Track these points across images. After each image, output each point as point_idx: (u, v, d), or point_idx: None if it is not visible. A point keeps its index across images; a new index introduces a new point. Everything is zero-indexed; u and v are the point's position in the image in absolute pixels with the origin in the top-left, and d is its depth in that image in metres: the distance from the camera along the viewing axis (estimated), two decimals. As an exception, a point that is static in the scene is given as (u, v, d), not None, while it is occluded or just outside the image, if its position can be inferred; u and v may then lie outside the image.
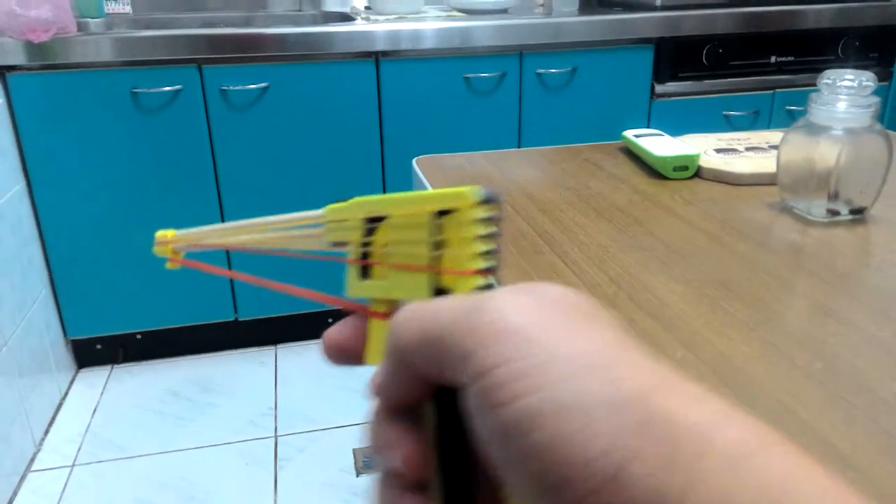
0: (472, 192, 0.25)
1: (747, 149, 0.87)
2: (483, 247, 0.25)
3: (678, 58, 1.95)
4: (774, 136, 0.94)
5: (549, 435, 0.18)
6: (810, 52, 2.03)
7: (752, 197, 0.76)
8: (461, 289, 0.25)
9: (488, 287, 0.25)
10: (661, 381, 0.18)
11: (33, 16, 1.53)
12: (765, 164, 0.81)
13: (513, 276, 0.58)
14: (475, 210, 0.25)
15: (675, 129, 0.98)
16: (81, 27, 1.71)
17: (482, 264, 0.25)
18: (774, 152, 0.86)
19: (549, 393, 0.18)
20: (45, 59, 1.61)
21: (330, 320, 2.07)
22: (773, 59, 2.02)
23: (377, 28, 1.74)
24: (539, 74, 1.87)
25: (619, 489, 0.17)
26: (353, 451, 1.64)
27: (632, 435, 0.17)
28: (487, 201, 0.25)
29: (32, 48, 1.59)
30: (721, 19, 1.94)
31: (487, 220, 0.25)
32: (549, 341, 0.19)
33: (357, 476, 1.56)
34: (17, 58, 1.60)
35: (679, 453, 0.17)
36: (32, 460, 1.61)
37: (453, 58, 1.82)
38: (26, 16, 1.53)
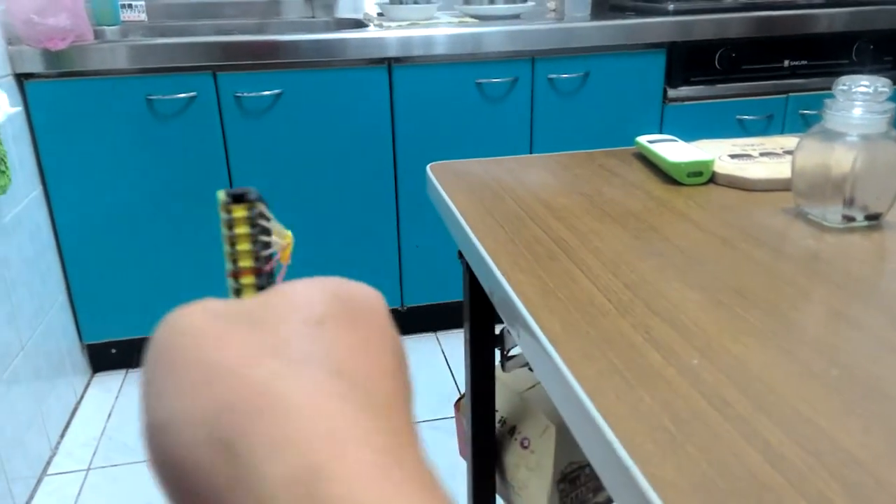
0: (221, 193, 0.25)
1: (762, 154, 0.87)
2: (244, 246, 0.25)
3: (691, 62, 1.95)
4: (789, 141, 0.93)
5: None
6: (824, 56, 2.02)
7: (766, 203, 0.76)
8: (246, 290, 0.25)
9: (260, 288, 0.25)
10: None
11: (51, 24, 1.55)
12: (780, 169, 0.81)
13: (529, 282, 0.58)
14: (235, 210, 0.25)
15: (688, 134, 0.98)
16: (97, 35, 1.73)
17: (244, 263, 0.25)
18: (789, 158, 0.86)
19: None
20: (62, 67, 1.63)
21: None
22: (786, 63, 2.01)
23: (389, 34, 1.75)
24: (551, 80, 1.88)
25: None
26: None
27: None
28: (236, 201, 0.25)
29: (50, 56, 1.61)
30: (733, 23, 1.94)
31: (249, 220, 0.25)
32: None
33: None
34: (35, 66, 1.62)
35: None
36: (48, 464, 1.63)
37: (465, 64, 1.82)
38: (44, 24, 1.55)
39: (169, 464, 0.19)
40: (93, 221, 1.76)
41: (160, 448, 0.20)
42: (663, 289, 0.56)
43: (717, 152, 0.87)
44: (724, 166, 0.82)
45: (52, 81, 1.65)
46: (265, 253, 0.26)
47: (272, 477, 0.17)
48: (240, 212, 0.25)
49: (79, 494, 1.54)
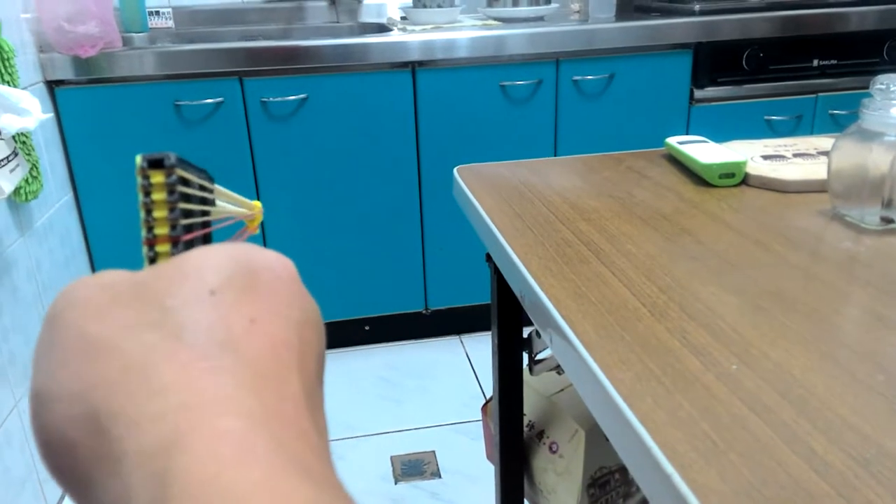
0: (138, 158, 0.24)
1: (795, 155, 0.86)
2: (161, 213, 0.24)
3: (717, 62, 1.92)
4: (822, 141, 0.92)
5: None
6: (854, 55, 1.99)
7: (801, 204, 0.75)
8: (161, 259, 0.24)
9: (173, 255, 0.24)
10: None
11: (81, 32, 1.58)
12: (814, 170, 0.80)
13: (561, 286, 0.58)
14: (153, 175, 0.24)
15: (716, 135, 0.97)
16: (126, 42, 1.75)
17: (160, 231, 0.24)
18: (823, 159, 0.84)
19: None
20: (91, 74, 1.65)
21: (367, 328, 2.09)
22: (815, 62, 1.98)
23: (412, 38, 1.75)
24: (575, 81, 1.87)
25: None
26: (391, 458, 1.64)
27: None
28: (152, 166, 0.24)
29: (80, 63, 1.63)
30: (760, 23, 1.91)
31: (167, 185, 0.24)
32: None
33: (395, 483, 1.57)
34: (66, 72, 1.64)
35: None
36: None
37: (489, 66, 1.82)
38: (75, 32, 1.57)
39: (44, 436, 0.19)
40: (121, 226, 1.78)
41: (37, 420, 0.20)
42: (699, 292, 0.55)
43: (748, 153, 0.86)
44: (757, 167, 0.81)
45: (81, 88, 1.67)
46: (184, 222, 0.25)
47: (131, 452, 0.17)
48: (157, 177, 0.24)
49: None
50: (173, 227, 0.24)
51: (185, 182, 0.25)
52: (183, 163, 0.25)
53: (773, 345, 0.48)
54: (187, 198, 0.25)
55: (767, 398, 0.43)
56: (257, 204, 0.33)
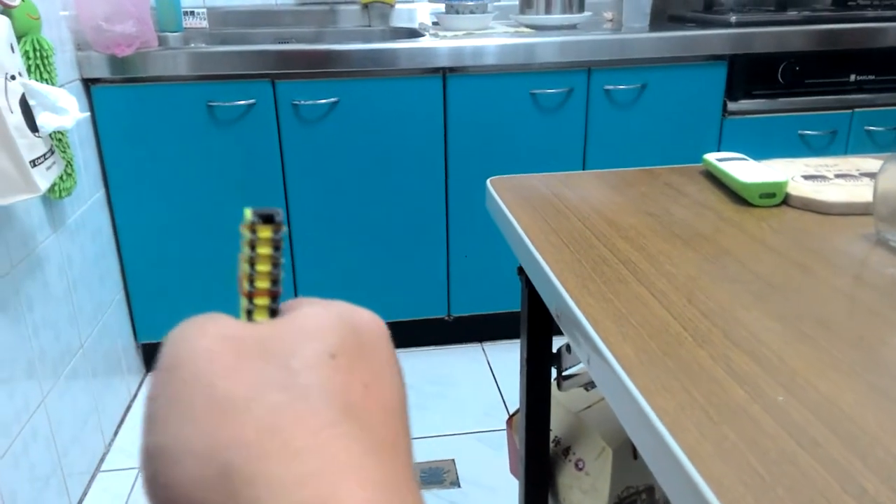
0: (248, 212, 0.24)
1: (837, 175, 0.84)
2: (264, 267, 0.24)
3: (752, 75, 1.90)
4: (865, 162, 0.90)
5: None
6: (892, 70, 1.95)
7: (844, 227, 0.73)
8: (258, 311, 0.25)
9: (272, 311, 0.25)
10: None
11: (118, 31, 1.60)
12: (857, 192, 0.78)
13: (599, 306, 0.57)
14: (261, 230, 0.24)
15: (749, 149, 0.96)
16: (161, 41, 1.77)
17: (262, 285, 0.24)
18: (866, 180, 0.82)
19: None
20: (126, 73, 1.67)
21: (389, 332, 2.08)
22: (852, 77, 1.95)
23: (443, 45, 1.75)
24: (607, 91, 1.85)
25: None
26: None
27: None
28: (264, 221, 0.24)
29: (116, 62, 1.65)
30: (797, 36, 1.88)
31: (273, 241, 0.24)
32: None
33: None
34: (102, 71, 1.66)
35: None
36: (102, 460, 1.66)
37: (520, 74, 1.81)
38: (112, 31, 1.59)
39: (168, 494, 0.19)
40: (151, 223, 1.80)
41: (159, 474, 0.19)
42: (741, 317, 0.54)
43: (789, 173, 0.84)
44: (798, 188, 0.80)
45: (117, 87, 1.69)
46: (282, 276, 0.25)
47: None
48: (265, 232, 0.25)
49: (131, 492, 1.57)
50: (274, 282, 0.25)
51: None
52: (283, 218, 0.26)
53: (819, 375, 0.47)
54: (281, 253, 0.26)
55: (816, 432, 0.41)
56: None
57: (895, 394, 0.45)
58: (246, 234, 0.24)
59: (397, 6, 2.22)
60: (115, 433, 1.75)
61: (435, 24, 2.16)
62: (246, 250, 0.25)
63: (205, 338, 0.21)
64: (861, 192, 0.77)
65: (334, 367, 0.21)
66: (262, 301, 0.25)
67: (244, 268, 0.25)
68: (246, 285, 0.25)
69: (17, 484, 1.26)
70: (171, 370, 0.21)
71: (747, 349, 0.50)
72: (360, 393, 0.21)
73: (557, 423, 0.95)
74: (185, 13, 2.06)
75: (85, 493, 1.56)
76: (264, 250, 0.24)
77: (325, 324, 0.22)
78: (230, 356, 0.21)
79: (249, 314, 0.25)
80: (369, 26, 2.22)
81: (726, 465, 0.39)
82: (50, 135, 1.28)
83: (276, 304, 0.25)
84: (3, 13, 1.22)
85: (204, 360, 0.21)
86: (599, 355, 0.51)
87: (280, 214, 0.25)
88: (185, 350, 0.21)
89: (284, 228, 0.25)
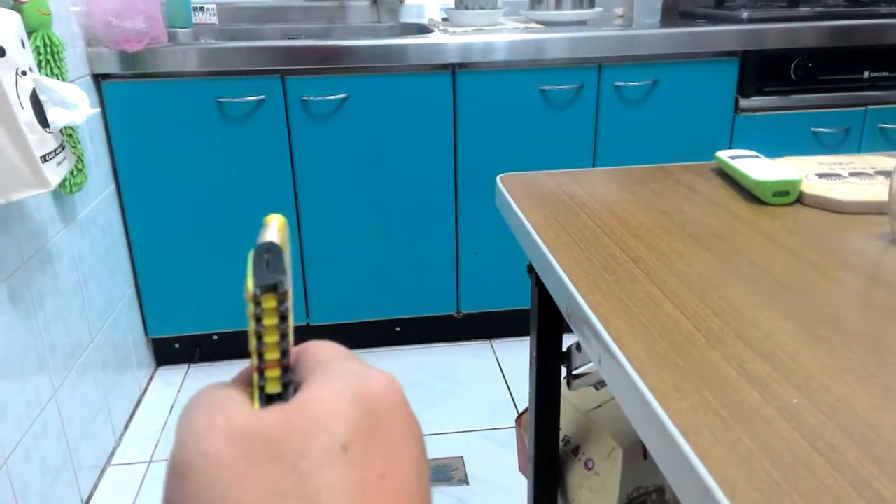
0: (248, 283, 0.23)
1: (851, 174, 0.83)
2: (272, 338, 0.23)
3: (764, 72, 1.88)
4: (879, 160, 0.89)
5: None
6: (907, 67, 1.93)
7: (858, 226, 0.72)
8: (269, 384, 0.24)
9: (285, 384, 0.24)
10: None
11: (129, 27, 1.60)
12: (872, 191, 0.77)
13: (610, 305, 0.56)
14: (266, 301, 0.23)
15: (761, 146, 0.95)
16: (170, 37, 1.77)
17: (271, 356, 0.23)
18: (881, 178, 0.81)
19: None
20: (136, 68, 1.68)
21: (398, 329, 2.08)
22: (865, 74, 1.93)
23: (453, 40, 1.74)
24: (618, 87, 1.84)
25: None
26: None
27: None
28: (267, 291, 0.23)
29: (126, 57, 1.66)
30: (810, 33, 1.87)
31: (278, 311, 0.23)
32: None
33: (423, 488, 1.56)
34: (112, 66, 1.67)
35: None
36: (112, 454, 1.67)
37: (529, 70, 1.80)
38: (122, 27, 1.59)
39: None
40: (161, 219, 1.80)
41: None
42: (755, 318, 0.53)
43: (802, 171, 0.83)
44: (812, 186, 0.79)
45: (126, 82, 1.70)
46: (292, 345, 0.25)
47: None
48: (270, 302, 0.23)
49: (140, 485, 1.58)
50: (283, 354, 0.24)
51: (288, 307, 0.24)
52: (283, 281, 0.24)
53: (834, 378, 0.46)
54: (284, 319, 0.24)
55: (831, 436, 0.41)
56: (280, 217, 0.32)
57: (912, 397, 0.44)
58: (250, 307, 0.23)
59: (407, 2, 2.21)
60: (126, 427, 1.76)
61: (444, 19, 2.16)
62: (252, 324, 0.24)
63: (214, 437, 0.21)
64: (876, 191, 0.76)
65: (347, 461, 0.21)
66: (272, 373, 0.24)
67: (252, 342, 0.24)
68: (255, 361, 0.24)
69: (29, 477, 1.27)
70: (183, 477, 0.21)
71: (761, 350, 0.49)
72: (375, 487, 0.21)
73: (567, 422, 0.95)
74: (195, 9, 2.06)
75: (95, 487, 1.57)
76: (270, 321, 0.24)
77: (335, 408, 0.22)
78: (240, 462, 0.21)
79: (262, 389, 0.24)
80: (378, 22, 2.22)
81: (740, 468, 0.38)
82: (60, 130, 1.28)
83: (288, 376, 0.24)
84: (14, 9, 1.22)
85: (214, 467, 0.21)
86: (610, 355, 0.51)
87: (284, 284, 0.23)
88: (195, 452, 0.21)
89: (290, 298, 0.24)
